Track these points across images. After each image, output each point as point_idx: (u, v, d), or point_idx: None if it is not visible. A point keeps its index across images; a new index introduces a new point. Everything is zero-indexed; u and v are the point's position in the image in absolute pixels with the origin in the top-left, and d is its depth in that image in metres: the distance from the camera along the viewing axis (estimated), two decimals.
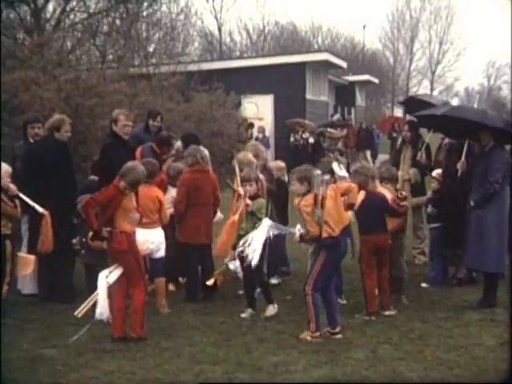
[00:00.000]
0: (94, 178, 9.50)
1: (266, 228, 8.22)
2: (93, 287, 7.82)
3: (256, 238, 8.16)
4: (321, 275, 7.58)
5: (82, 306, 7.55)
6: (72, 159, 9.86)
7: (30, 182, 8.99)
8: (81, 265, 9.32)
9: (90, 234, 7.97)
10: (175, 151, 10.21)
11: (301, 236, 7.73)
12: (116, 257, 7.65)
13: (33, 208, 8.56)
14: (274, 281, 9.76)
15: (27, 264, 8.48)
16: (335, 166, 8.86)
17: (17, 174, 8.97)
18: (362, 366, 6.75)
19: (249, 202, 8.52)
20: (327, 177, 7.51)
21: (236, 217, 8.56)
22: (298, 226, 7.81)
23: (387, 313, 8.45)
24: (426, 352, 7.13)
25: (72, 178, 9.36)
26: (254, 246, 8.12)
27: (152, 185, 8.74)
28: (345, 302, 9.02)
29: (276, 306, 8.59)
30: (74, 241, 9.06)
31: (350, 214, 8.67)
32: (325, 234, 7.52)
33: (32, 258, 8.53)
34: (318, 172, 7.61)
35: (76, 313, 7.54)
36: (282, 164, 10.45)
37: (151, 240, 8.57)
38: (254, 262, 8.09)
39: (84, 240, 8.76)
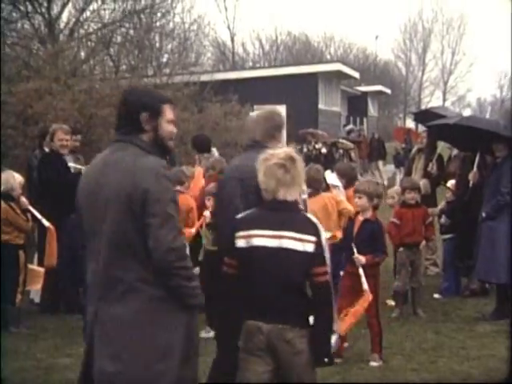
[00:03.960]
0: None
1: None
2: None
3: None
4: None
5: None
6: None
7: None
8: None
9: None
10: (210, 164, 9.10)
11: None
12: None
13: (39, 221, 8.53)
14: None
15: (37, 277, 8.35)
16: (327, 173, 8.59)
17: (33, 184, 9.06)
18: (375, 376, 6.73)
19: (206, 213, 8.14)
20: (305, 196, 7.36)
21: (193, 230, 8.25)
22: None
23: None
24: (439, 363, 7.13)
25: None
26: None
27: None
28: None
29: None
30: None
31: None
32: None
33: (41, 270, 8.43)
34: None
35: None
36: None
37: None
38: None
39: None
